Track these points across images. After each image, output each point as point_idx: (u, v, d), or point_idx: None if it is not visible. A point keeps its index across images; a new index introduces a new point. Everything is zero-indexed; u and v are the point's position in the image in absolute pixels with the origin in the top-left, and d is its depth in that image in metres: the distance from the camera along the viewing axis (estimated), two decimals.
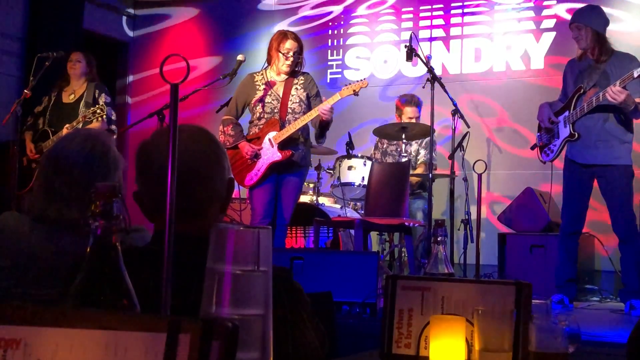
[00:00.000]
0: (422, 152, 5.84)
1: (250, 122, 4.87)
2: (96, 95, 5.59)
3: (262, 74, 4.87)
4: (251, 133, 4.81)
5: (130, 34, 8.15)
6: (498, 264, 5.35)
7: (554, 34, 6.31)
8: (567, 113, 4.65)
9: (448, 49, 6.74)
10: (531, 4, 6.45)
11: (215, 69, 7.47)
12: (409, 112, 5.78)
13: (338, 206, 5.73)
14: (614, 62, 4.50)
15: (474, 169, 3.31)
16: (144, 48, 8.08)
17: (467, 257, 5.29)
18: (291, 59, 4.74)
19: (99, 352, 0.72)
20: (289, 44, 4.75)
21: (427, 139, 5.46)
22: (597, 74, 4.54)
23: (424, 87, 5.02)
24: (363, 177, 5.28)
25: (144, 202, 1.48)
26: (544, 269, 4.92)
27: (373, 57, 7.06)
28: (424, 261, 5.18)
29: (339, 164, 5.40)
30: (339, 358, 1.76)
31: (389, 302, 1.41)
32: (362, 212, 5.46)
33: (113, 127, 5.49)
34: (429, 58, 5.12)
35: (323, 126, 4.73)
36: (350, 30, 7.20)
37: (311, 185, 5.83)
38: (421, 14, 6.90)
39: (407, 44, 4.87)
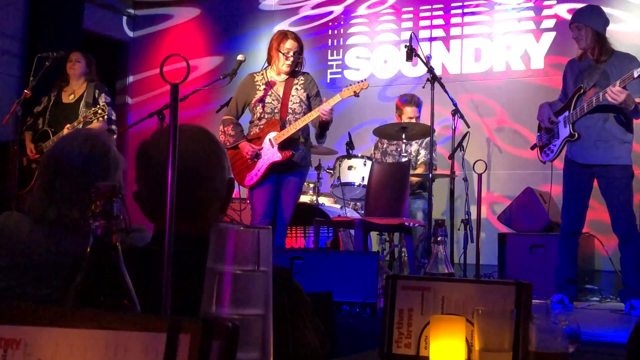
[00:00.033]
0: (423, 152, 5.84)
1: (251, 122, 4.87)
2: (96, 95, 5.59)
3: (262, 74, 4.87)
4: (251, 133, 4.81)
5: (130, 34, 8.15)
6: (498, 264, 5.35)
7: (554, 34, 6.31)
8: (567, 113, 4.65)
9: (448, 49, 6.74)
10: (531, 4, 6.45)
11: (216, 69, 7.47)
12: (409, 112, 5.78)
13: (338, 206, 5.73)
14: (614, 62, 4.50)
15: (474, 169, 3.31)
16: (144, 48, 8.08)
17: (467, 257, 5.29)
18: (291, 58, 4.74)
19: (99, 352, 0.72)
20: (289, 44, 4.75)
21: (428, 139, 5.46)
22: (597, 74, 4.54)
23: (424, 87, 5.02)
24: (363, 177, 5.28)
25: (144, 202, 1.48)
26: (544, 269, 4.92)
27: (373, 57, 7.06)
28: (424, 261, 5.18)
29: (339, 164, 5.40)
30: (339, 358, 1.76)
31: (389, 302, 1.41)
32: (362, 212, 5.46)
33: (113, 127, 5.49)
34: (429, 58, 5.12)
35: (323, 126, 4.73)
36: (350, 30, 7.20)
37: (311, 185, 5.83)
38: (421, 14, 6.89)
39: (407, 44, 4.87)
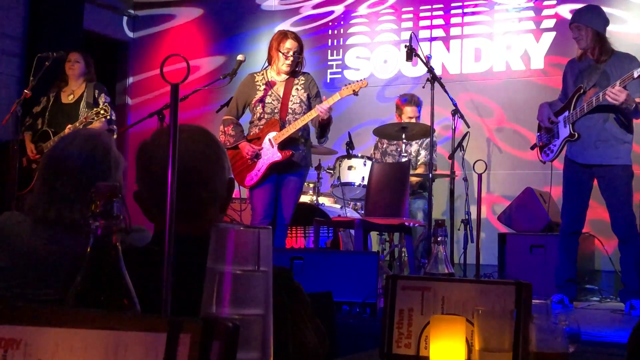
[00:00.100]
0: (423, 152, 5.84)
1: (251, 122, 4.86)
2: (96, 95, 5.60)
3: (262, 74, 4.87)
4: (251, 133, 4.81)
5: (131, 34, 8.15)
6: (498, 264, 5.35)
7: (554, 34, 6.31)
8: (567, 113, 4.65)
9: (448, 49, 6.74)
10: (531, 4, 6.45)
11: (218, 69, 7.46)
12: (409, 111, 5.78)
13: (338, 206, 5.73)
14: (614, 62, 4.50)
15: (474, 169, 3.32)
16: (144, 49, 8.08)
17: (467, 257, 5.29)
18: (291, 58, 4.74)
19: (99, 352, 0.72)
20: (289, 44, 4.75)
21: (428, 139, 5.46)
22: (597, 74, 4.54)
23: (424, 87, 5.02)
24: (363, 177, 5.28)
25: (144, 202, 1.48)
26: (544, 269, 4.92)
27: (373, 57, 7.06)
28: (424, 261, 5.18)
29: (339, 164, 5.40)
30: (339, 358, 1.76)
31: (389, 302, 1.41)
32: (362, 212, 5.46)
33: (113, 127, 5.49)
34: (429, 58, 5.12)
35: (323, 126, 4.73)
36: (350, 30, 7.20)
37: (311, 185, 5.83)
38: (421, 14, 6.89)
39: (407, 44, 4.87)
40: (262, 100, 4.77)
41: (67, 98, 5.63)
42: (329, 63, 7.23)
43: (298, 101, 4.76)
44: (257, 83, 4.82)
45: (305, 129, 4.79)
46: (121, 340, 0.71)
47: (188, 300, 0.99)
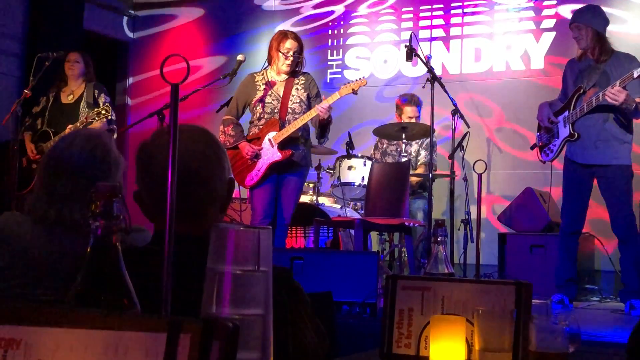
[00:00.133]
0: (423, 153, 5.84)
1: (250, 122, 4.86)
2: (96, 96, 5.60)
3: (262, 74, 4.87)
4: (251, 133, 4.81)
5: (131, 34, 8.15)
6: (498, 264, 5.35)
7: (554, 33, 6.31)
8: (566, 113, 4.65)
9: (448, 49, 6.74)
10: (531, 4, 6.45)
11: (218, 69, 7.46)
12: (409, 111, 5.78)
13: (338, 206, 5.73)
14: (614, 62, 4.50)
15: (474, 169, 3.32)
16: (144, 49, 8.08)
17: (467, 257, 5.29)
18: (291, 58, 4.74)
19: (99, 352, 0.72)
20: (289, 44, 4.75)
21: (428, 139, 5.46)
22: (597, 74, 4.54)
23: (423, 87, 5.02)
24: (363, 177, 5.28)
25: (144, 202, 1.49)
26: (544, 269, 4.92)
27: (373, 57, 7.06)
28: (424, 261, 5.18)
29: (339, 164, 5.40)
30: (339, 358, 1.76)
31: (389, 302, 1.41)
32: (362, 212, 5.46)
33: (113, 127, 5.49)
34: (428, 58, 5.12)
35: (323, 126, 4.73)
36: (350, 30, 7.20)
37: (311, 185, 5.83)
38: (421, 14, 6.89)
39: (407, 44, 4.87)
40: (262, 100, 4.77)
41: (67, 98, 5.63)
42: (329, 63, 7.23)
43: (298, 101, 4.76)
44: (257, 83, 4.82)
45: (305, 128, 4.79)
46: (121, 340, 0.71)
47: (188, 300, 0.99)
